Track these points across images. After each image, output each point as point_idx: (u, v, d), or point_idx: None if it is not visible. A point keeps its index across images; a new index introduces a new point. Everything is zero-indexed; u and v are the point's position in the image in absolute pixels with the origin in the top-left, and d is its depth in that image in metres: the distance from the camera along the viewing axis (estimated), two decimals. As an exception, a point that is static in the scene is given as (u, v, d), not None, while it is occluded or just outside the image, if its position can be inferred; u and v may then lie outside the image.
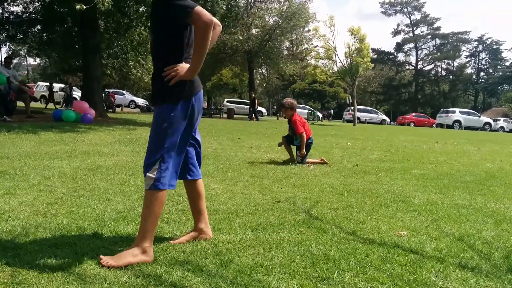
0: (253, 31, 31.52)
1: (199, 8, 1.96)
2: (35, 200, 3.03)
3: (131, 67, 21.12)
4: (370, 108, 43.28)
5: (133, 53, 18.33)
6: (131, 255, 2.00)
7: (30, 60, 57.93)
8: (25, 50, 26.25)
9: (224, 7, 12.83)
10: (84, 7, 9.43)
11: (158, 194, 2.07)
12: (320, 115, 34.55)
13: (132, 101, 34.42)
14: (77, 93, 28.15)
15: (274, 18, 31.65)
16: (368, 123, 35.30)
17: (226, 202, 3.33)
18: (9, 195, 3.13)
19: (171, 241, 2.30)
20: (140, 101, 35.39)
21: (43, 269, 1.86)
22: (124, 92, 35.34)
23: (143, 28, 14.23)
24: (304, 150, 5.83)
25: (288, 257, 2.18)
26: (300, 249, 2.31)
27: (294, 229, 2.68)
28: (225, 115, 29.35)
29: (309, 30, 33.12)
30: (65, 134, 7.70)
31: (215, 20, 2.08)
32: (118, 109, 26.53)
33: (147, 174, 2.07)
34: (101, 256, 1.99)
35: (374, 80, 61.42)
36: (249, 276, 1.91)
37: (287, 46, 37.61)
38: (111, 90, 30.13)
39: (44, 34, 17.17)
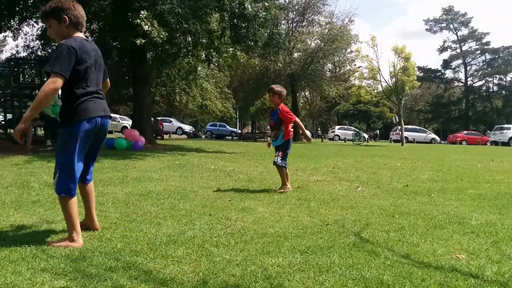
0: (295, 55, 31.80)
1: (54, 75, 2.49)
2: (91, 225, 3.16)
3: (177, 94, 21.84)
4: (418, 127, 41.98)
5: (180, 81, 19.00)
6: (65, 243, 2.60)
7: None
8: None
9: (265, 35, 13.07)
10: (143, 41, 10.07)
11: (64, 199, 2.66)
12: (366, 136, 33.89)
13: (179, 127, 35.54)
14: (127, 122, 29.42)
15: (316, 41, 31.83)
16: (417, 142, 34.16)
17: (273, 225, 3.32)
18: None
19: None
20: (187, 128, 36.44)
21: (100, 291, 1.92)
22: (171, 119, 36.59)
23: (190, 56, 14.74)
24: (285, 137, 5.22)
25: (340, 281, 2.12)
26: (352, 273, 2.24)
27: (345, 252, 2.62)
28: (269, 139, 29.48)
29: (351, 51, 32.96)
30: (117, 161, 8.03)
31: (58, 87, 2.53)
32: (166, 136, 27.44)
33: (53, 180, 2.70)
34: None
35: (421, 99, 59.70)
36: (300, 301, 1.88)
37: (330, 68, 37.60)
38: (159, 118, 31.30)
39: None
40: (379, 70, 25.28)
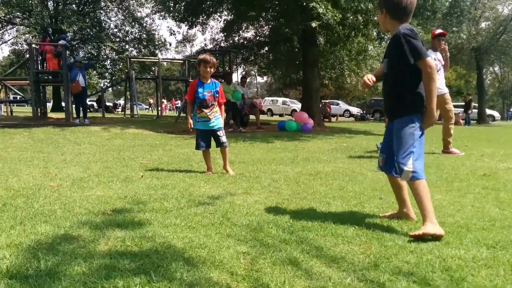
0: (483, 24, 27.88)
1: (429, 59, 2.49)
2: (266, 200, 3.42)
3: (347, 76, 21.60)
4: None
5: (350, 63, 18.73)
6: (430, 227, 2.42)
7: (259, 78, 66.37)
8: (255, 70, 30.23)
9: (446, 4, 11.76)
10: (317, 23, 10.36)
11: (419, 183, 2.58)
12: None
13: (347, 110, 35.10)
14: (297, 105, 30.55)
15: (510, 7, 27.28)
16: None
17: (453, 214, 3.02)
18: (246, 194, 3.62)
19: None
20: (355, 110, 35.77)
21: (276, 261, 2.06)
22: (339, 102, 36.43)
23: (361, 36, 14.33)
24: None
25: (540, 285, 1.81)
26: (557, 278, 1.88)
27: (546, 252, 2.22)
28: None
29: (559, 14, 27.12)
30: (288, 143, 8.44)
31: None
32: (333, 119, 27.55)
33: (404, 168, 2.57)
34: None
35: None
36: (486, 299, 1.67)
37: (528, 37, 31.73)
38: (327, 101, 31.51)
39: (271, 54, 19.37)
40: None
